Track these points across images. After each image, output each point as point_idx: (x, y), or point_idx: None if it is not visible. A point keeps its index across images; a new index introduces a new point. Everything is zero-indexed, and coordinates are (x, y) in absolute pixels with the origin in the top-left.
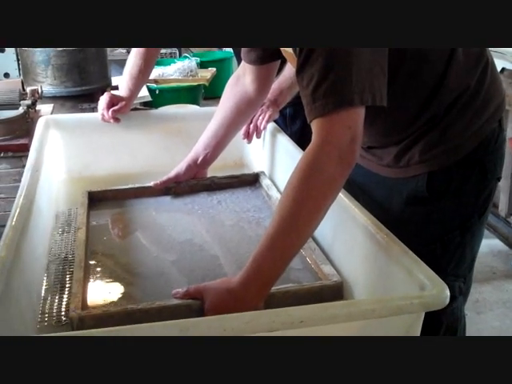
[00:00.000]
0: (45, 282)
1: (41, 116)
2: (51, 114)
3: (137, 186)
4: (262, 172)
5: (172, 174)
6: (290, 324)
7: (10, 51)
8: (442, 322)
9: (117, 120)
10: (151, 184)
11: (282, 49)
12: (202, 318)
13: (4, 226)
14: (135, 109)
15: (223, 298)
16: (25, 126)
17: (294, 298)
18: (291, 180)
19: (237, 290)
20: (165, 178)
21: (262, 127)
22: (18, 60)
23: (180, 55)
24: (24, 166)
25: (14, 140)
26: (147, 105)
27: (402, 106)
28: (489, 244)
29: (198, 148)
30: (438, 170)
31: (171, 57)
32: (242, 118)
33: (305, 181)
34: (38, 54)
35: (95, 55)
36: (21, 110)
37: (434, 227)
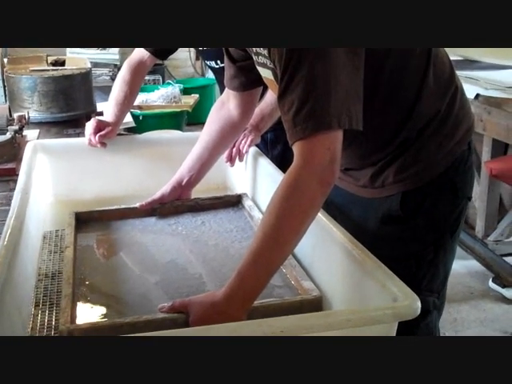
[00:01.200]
0: (34, 299)
1: (27, 141)
2: (37, 139)
3: (123, 207)
4: (245, 193)
5: (157, 195)
6: (271, 334)
7: None
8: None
9: (103, 145)
10: (137, 205)
11: (263, 76)
12: (187, 329)
13: None
14: (119, 134)
15: (207, 311)
16: (12, 150)
17: (275, 312)
18: (274, 198)
19: (220, 304)
20: (150, 199)
21: (244, 151)
22: (4, 86)
23: (163, 82)
24: (11, 190)
25: (1, 164)
26: (131, 130)
27: (376, 130)
28: (466, 265)
29: (182, 170)
30: (411, 189)
31: (155, 83)
32: (225, 142)
33: (287, 199)
34: (25, 81)
35: (80, 82)
36: (8, 136)
37: (408, 244)
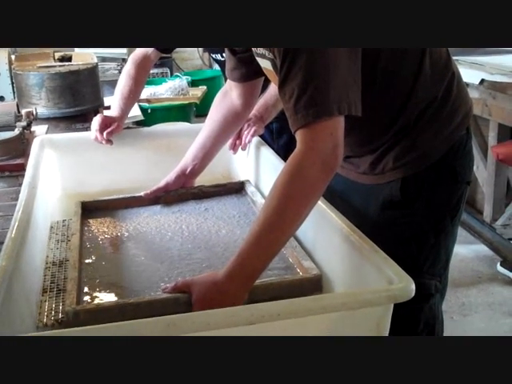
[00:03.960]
0: (42, 286)
1: (36, 137)
2: (46, 134)
3: (128, 196)
4: (248, 180)
5: (162, 183)
6: (269, 317)
7: (5, 75)
8: (420, 319)
9: (109, 142)
10: (142, 194)
11: (263, 67)
12: (188, 314)
13: (2, 242)
14: (127, 128)
15: (209, 290)
16: (21, 146)
17: (276, 290)
18: (277, 183)
19: (222, 283)
20: (154, 187)
21: (247, 141)
22: (12, 83)
23: (172, 74)
24: (20, 185)
25: (10, 160)
26: (139, 124)
27: (374, 117)
28: (475, 249)
29: (186, 159)
30: (410, 175)
31: (163, 76)
32: (228, 131)
33: (289, 184)
34: (32, 78)
35: (87, 77)
36: (16, 132)
37: (409, 229)
